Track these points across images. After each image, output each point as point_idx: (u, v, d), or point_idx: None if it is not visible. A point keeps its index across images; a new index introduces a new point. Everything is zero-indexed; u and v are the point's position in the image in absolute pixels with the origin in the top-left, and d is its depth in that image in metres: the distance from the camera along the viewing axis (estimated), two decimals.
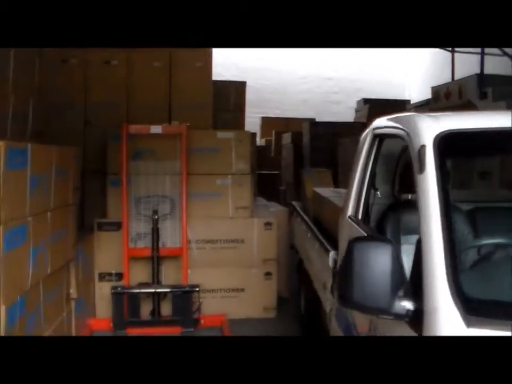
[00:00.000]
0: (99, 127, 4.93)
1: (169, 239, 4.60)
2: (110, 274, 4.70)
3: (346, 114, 12.42)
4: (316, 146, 10.17)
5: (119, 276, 4.61)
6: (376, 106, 10.44)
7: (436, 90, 5.83)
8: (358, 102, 11.53)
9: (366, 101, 11.08)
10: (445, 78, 12.86)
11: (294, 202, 5.47)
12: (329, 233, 3.47)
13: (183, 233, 4.50)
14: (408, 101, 10.98)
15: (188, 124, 4.42)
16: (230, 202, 4.81)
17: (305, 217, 4.48)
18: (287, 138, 11.54)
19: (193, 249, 4.71)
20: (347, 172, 3.13)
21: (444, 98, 5.56)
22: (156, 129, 4.36)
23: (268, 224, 4.88)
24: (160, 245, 4.51)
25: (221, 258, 4.75)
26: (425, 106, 7.95)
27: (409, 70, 14.61)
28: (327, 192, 4.33)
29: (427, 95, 9.05)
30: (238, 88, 6.49)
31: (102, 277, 4.73)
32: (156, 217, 4.42)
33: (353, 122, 10.85)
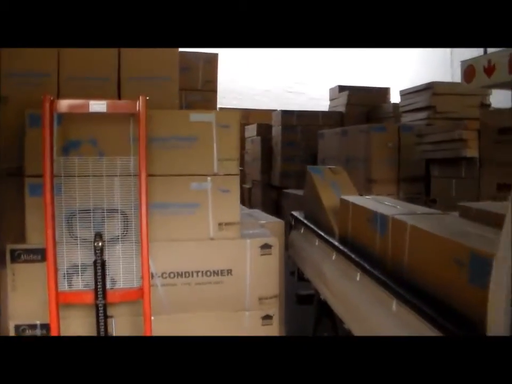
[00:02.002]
0: (17, 106, 3.27)
1: (122, 275, 3.02)
2: (33, 326, 3.09)
3: (312, 106, 11.30)
4: (288, 139, 8.81)
5: (47, 328, 3.01)
6: (356, 94, 9.20)
7: (469, 65, 4.42)
8: (332, 89, 10.19)
9: (342, 88, 9.76)
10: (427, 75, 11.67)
11: (295, 213, 4.00)
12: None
13: (142, 264, 2.94)
14: (388, 89, 9.70)
15: (148, 98, 2.85)
16: (211, 217, 3.29)
17: (336, 243, 3.02)
18: (251, 130, 10.18)
19: (158, 287, 3.16)
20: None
21: (484, 75, 4.15)
22: (99, 106, 2.78)
23: (265, 247, 3.37)
24: (108, 284, 2.95)
25: (200, 299, 3.22)
26: (425, 92, 6.64)
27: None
28: (372, 203, 2.88)
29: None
30: (209, 60, 4.94)
31: (21, 330, 3.12)
32: (100, 243, 2.85)
33: (330, 112, 9.51)
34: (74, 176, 2.94)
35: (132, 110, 2.86)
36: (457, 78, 8.75)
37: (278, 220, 4.22)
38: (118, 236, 3.03)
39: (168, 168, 3.19)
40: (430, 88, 6.53)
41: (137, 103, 2.84)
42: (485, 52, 4.47)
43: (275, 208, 9.04)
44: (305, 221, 3.70)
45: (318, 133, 8.02)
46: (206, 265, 3.25)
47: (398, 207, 2.68)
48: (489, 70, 4.19)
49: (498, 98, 6.85)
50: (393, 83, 10.29)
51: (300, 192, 7.62)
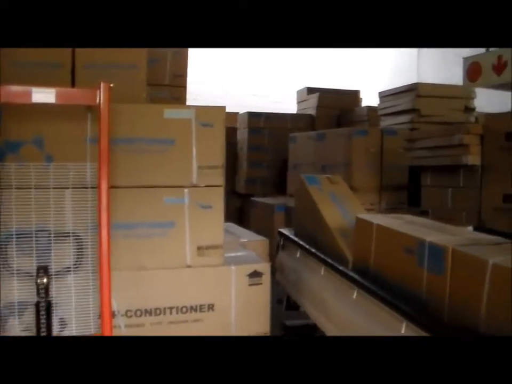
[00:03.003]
0: None
1: (75, 316, 2.33)
2: None
3: (275, 109, 10.76)
4: (255, 143, 8.22)
5: None
6: (327, 97, 8.68)
7: (473, 62, 3.91)
8: (300, 91, 9.64)
9: (311, 90, 9.23)
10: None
11: (283, 230, 3.37)
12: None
13: (102, 301, 2.26)
14: (358, 91, 9.24)
15: (112, 85, 2.18)
16: (188, 239, 2.64)
17: (358, 277, 2.39)
18: None
19: (121, 329, 2.49)
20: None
21: (492, 74, 3.65)
22: (45, 95, 2.07)
23: (254, 275, 2.74)
24: (55, 329, 2.26)
25: None
26: (408, 93, 6.15)
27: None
28: (404, 225, 2.28)
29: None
30: (178, 51, 4.27)
31: None
32: (45, 279, 2.16)
33: (299, 115, 8.95)
34: (11, 188, 2.23)
35: (90, 101, 2.17)
36: (422, 80, 8.32)
37: (262, 237, 3.60)
38: (70, 266, 2.34)
39: (136, 178, 2.52)
40: (413, 89, 6.04)
41: (98, 92, 2.15)
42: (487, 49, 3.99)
43: (239, 217, 8.40)
44: (302, 242, 3.08)
45: (289, 136, 7.42)
46: (182, 300, 2.59)
47: (446, 231, 2.10)
48: (499, 68, 3.70)
49: (482, 103, 6.47)
50: (358, 86, 9.85)
51: (269, 201, 7.04)
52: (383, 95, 6.69)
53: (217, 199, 2.67)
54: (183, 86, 4.27)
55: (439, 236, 2.00)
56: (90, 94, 2.14)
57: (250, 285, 2.72)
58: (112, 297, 2.29)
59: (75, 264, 2.35)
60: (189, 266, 2.63)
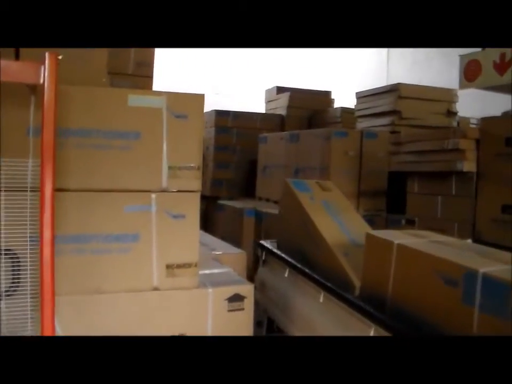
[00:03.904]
0: None
1: None
2: None
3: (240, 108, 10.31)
4: (222, 142, 7.78)
5: None
6: (298, 96, 8.30)
7: (472, 60, 3.54)
8: (269, 90, 9.23)
9: (280, 89, 8.83)
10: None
11: (265, 243, 2.91)
12: None
13: (44, 332, 1.75)
14: (330, 92, 8.89)
15: (60, 57, 1.68)
16: (155, 256, 2.15)
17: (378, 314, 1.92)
18: None
19: None
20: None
21: (494, 73, 3.29)
22: None
23: (235, 299, 2.28)
24: None
25: None
26: (389, 94, 5.79)
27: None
28: (430, 245, 1.83)
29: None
30: None
31: None
32: None
33: (269, 114, 8.53)
34: None
35: (31, 78, 1.66)
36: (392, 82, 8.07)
37: (238, 250, 3.13)
38: (8, 290, 1.83)
39: (91, 179, 2.02)
40: (395, 90, 5.68)
41: (42, 68, 1.65)
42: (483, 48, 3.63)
43: (204, 221, 7.90)
44: (291, 260, 2.63)
45: (259, 137, 6.98)
46: (147, 330, 2.10)
47: (492, 256, 1.68)
48: (502, 67, 3.33)
49: (463, 107, 6.18)
50: (327, 86, 9.49)
51: (237, 204, 6.56)
52: (361, 96, 6.32)
53: (192, 207, 2.19)
54: (149, 76, 3.77)
55: (491, 264, 1.57)
56: (31, 69, 1.63)
57: (230, 310, 2.25)
58: (59, 328, 1.79)
59: (10, 288, 1.84)
60: (156, 289, 2.14)
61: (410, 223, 4.47)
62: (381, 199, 5.54)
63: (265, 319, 2.89)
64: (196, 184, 2.18)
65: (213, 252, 2.96)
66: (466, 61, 3.58)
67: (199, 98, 2.17)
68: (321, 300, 2.29)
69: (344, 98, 9.17)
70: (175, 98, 2.11)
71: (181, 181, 2.14)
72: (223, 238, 3.63)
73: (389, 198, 5.48)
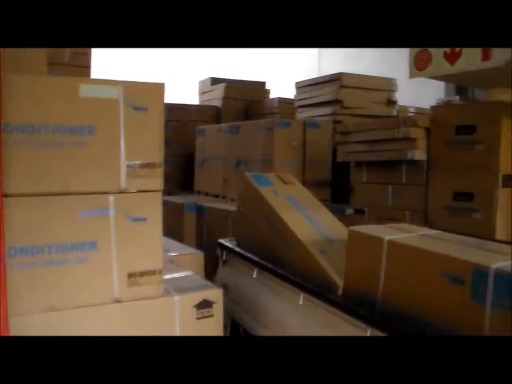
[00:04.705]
0: None
1: None
2: None
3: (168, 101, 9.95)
4: None
5: None
6: (233, 87, 8.16)
7: (421, 50, 3.52)
8: (203, 81, 9.01)
9: (215, 80, 8.64)
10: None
11: (223, 241, 2.73)
12: None
13: None
14: (264, 83, 8.79)
15: None
16: (116, 264, 1.94)
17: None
18: None
19: None
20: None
21: (444, 62, 3.28)
22: None
23: (204, 305, 2.10)
24: None
25: None
26: (331, 84, 5.74)
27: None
28: (423, 241, 1.72)
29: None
30: None
31: None
32: None
33: (204, 106, 8.33)
34: None
35: None
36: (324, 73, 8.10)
37: (194, 250, 2.95)
38: None
39: (39, 182, 1.78)
40: (337, 79, 5.63)
41: None
42: None
43: None
44: (259, 260, 2.46)
45: (196, 129, 6.76)
46: None
47: (492, 249, 1.60)
48: (452, 56, 3.31)
49: (403, 96, 6.24)
50: (260, 77, 9.38)
51: (176, 199, 6.31)
52: (301, 86, 6.23)
53: (154, 209, 1.99)
54: (87, 66, 3.49)
55: (500, 259, 1.48)
56: None
57: (198, 318, 2.08)
58: None
59: None
60: (117, 301, 1.93)
61: (360, 213, 4.42)
62: (325, 189, 5.50)
63: (228, 322, 2.73)
64: (158, 183, 1.98)
65: (168, 254, 2.76)
66: (416, 50, 3.53)
67: (159, 87, 1.96)
68: (300, 302, 2.15)
69: (278, 89, 9.10)
70: (132, 88, 1.89)
71: (141, 180, 1.93)
72: (164, 234, 3.43)
73: (333, 188, 5.44)
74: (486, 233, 3.13)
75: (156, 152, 1.96)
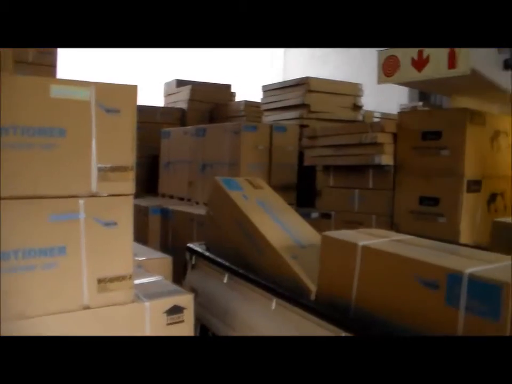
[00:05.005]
0: None
1: None
2: None
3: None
4: None
5: None
6: (199, 90, 8.11)
7: (391, 56, 3.57)
8: (168, 83, 8.93)
9: (180, 82, 8.58)
10: None
11: (193, 246, 2.70)
12: None
13: None
14: (230, 85, 8.77)
15: None
16: (85, 270, 1.89)
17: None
18: None
19: None
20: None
21: (411, 69, 3.34)
22: None
23: (174, 311, 2.07)
24: None
25: None
26: (298, 88, 5.77)
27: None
28: (397, 246, 1.73)
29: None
30: None
31: None
32: None
33: (169, 108, 8.25)
34: None
35: None
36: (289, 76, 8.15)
37: (162, 254, 2.91)
38: None
39: (7, 185, 1.71)
40: (303, 84, 5.66)
41: None
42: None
43: None
44: (229, 264, 2.44)
45: (161, 131, 6.69)
46: None
47: (466, 255, 1.62)
48: (420, 63, 3.37)
49: (365, 100, 6.31)
50: (226, 80, 9.36)
51: (141, 202, 6.23)
52: (268, 89, 6.24)
53: (125, 213, 1.95)
54: (52, 65, 3.41)
55: (474, 264, 1.50)
56: None
57: (169, 324, 2.04)
58: None
59: None
60: (87, 308, 1.88)
61: (326, 217, 4.45)
62: (291, 193, 5.52)
63: (197, 327, 2.70)
64: (129, 186, 1.95)
65: (136, 258, 2.71)
66: (384, 56, 3.58)
67: (132, 90, 1.92)
68: (273, 307, 2.14)
69: (244, 92, 9.10)
70: (104, 89, 1.85)
71: (112, 184, 1.89)
72: None
73: (299, 192, 5.47)
74: (450, 237, 3.20)
75: (127, 155, 1.92)
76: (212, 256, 2.69)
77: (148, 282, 2.29)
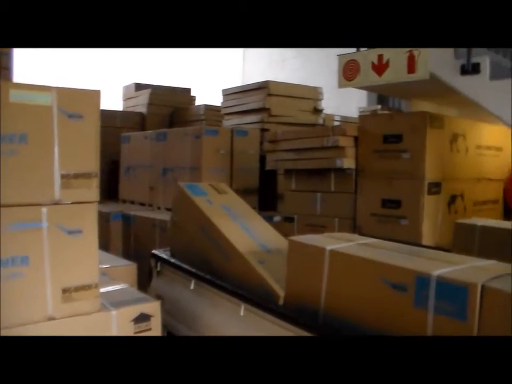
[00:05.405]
0: None
1: None
2: None
3: None
4: None
5: None
6: (159, 94, 8.04)
7: (351, 60, 3.62)
8: (127, 87, 8.82)
9: (139, 86, 8.49)
10: None
11: (157, 252, 2.66)
12: None
13: None
14: (190, 89, 8.72)
15: None
16: (49, 280, 1.84)
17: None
18: None
19: None
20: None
21: (372, 73, 3.40)
22: None
23: (141, 319, 2.04)
24: None
25: None
26: (259, 91, 5.78)
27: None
28: (366, 250, 1.74)
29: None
30: None
31: None
32: None
33: (129, 112, 8.14)
34: None
35: None
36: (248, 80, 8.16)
37: (127, 262, 2.86)
38: None
39: None
40: (264, 88, 5.67)
41: None
42: (358, 49, 3.71)
43: None
44: (196, 271, 2.41)
45: (121, 136, 6.60)
46: None
47: (432, 257, 1.64)
48: (380, 68, 3.42)
49: (324, 103, 6.37)
50: (185, 84, 9.30)
51: (101, 208, 6.13)
52: (228, 93, 6.23)
53: (90, 221, 1.91)
54: (7, 68, 3.31)
55: (441, 266, 1.53)
56: None
57: (136, 332, 2.01)
58: None
59: None
60: (52, 319, 1.83)
61: (289, 220, 4.46)
62: (253, 196, 5.51)
63: (164, 334, 2.66)
64: (93, 193, 1.90)
65: (100, 266, 2.65)
66: (345, 60, 3.62)
67: (95, 95, 1.88)
68: (241, 313, 2.12)
69: (203, 96, 9.05)
70: (67, 94, 1.81)
71: (76, 191, 1.85)
72: None
73: (261, 196, 5.47)
74: (413, 239, 3.25)
75: (91, 161, 1.88)
76: (177, 262, 2.66)
77: (114, 290, 2.25)
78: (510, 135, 4.07)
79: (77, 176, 1.84)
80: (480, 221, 2.67)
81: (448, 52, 3.16)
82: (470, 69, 3.08)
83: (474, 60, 3.09)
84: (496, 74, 3.09)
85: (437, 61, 3.18)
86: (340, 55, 3.73)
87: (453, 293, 1.44)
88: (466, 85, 3.12)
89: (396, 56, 3.35)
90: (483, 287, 1.38)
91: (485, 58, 3.12)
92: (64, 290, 1.85)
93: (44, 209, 1.79)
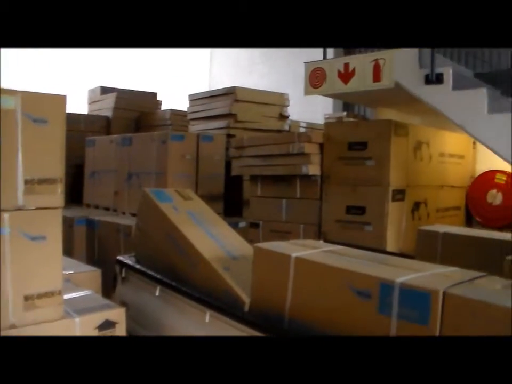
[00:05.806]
0: None
1: None
2: None
3: None
4: None
5: None
6: (125, 98, 7.95)
7: (317, 68, 3.66)
8: (92, 90, 8.71)
9: (105, 89, 8.39)
10: None
11: (122, 258, 2.64)
12: None
13: None
14: (156, 94, 8.66)
15: None
16: (11, 287, 1.81)
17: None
18: None
19: None
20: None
21: (338, 81, 3.45)
22: None
23: (106, 326, 2.01)
24: None
25: None
26: (225, 97, 5.78)
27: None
28: (330, 257, 1.76)
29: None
30: None
31: None
32: None
33: (94, 116, 8.03)
34: None
35: None
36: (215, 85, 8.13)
37: (91, 267, 2.82)
38: None
39: None
40: (230, 93, 5.68)
41: None
42: (325, 57, 3.76)
43: None
44: (161, 277, 2.39)
45: (86, 140, 6.50)
46: None
47: (396, 264, 1.67)
48: (346, 76, 3.48)
49: (291, 111, 6.42)
50: (151, 88, 9.23)
51: (66, 213, 6.02)
52: (195, 98, 6.21)
53: (54, 227, 1.88)
54: None
55: (404, 273, 1.56)
56: None
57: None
58: None
59: None
60: (13, 327, 1.79)
61: (254, 226, 4.48)
62: (218, 202, 5.50)
63: None
64: (58, 199, 1.88)
65: (63, 272, 2.61)
66: (311, 68, 3.66)
67: (60, 99, 1.86)
68: (207, 320, 2.12)
69: (169, 100, 9.00)
70: (31, 99, 1.78)
71: (40, 197, 1.82)
72: None
73: (226, 201, 5.47)
74: (377, 245, 3.30)
75: (56, 167, 1.85)
76: (142, 268, 2.64)
77: (77, 297, 2.22)
78: (472, 144, 4.17)
79: (41, 181, 1.81)
80: (442, 228, 2.73)
81: (412, 62, 3.23)
82: (434, 79, 3.14)
83: (438, 70, 3.16)
84: (458, 84, 3.16)
85: (402, 70, 3.24)
86: (306, 62, 3.77)
87: (415, 300, 1.47)
88: (430, 94, 3.19)
89: (362, 64, 3.40)
90: (444, 293, 1.42)
91: (448, 68, 3.19)
92: (27, 298, 1.81)
93: (6, 215, 1.75)
